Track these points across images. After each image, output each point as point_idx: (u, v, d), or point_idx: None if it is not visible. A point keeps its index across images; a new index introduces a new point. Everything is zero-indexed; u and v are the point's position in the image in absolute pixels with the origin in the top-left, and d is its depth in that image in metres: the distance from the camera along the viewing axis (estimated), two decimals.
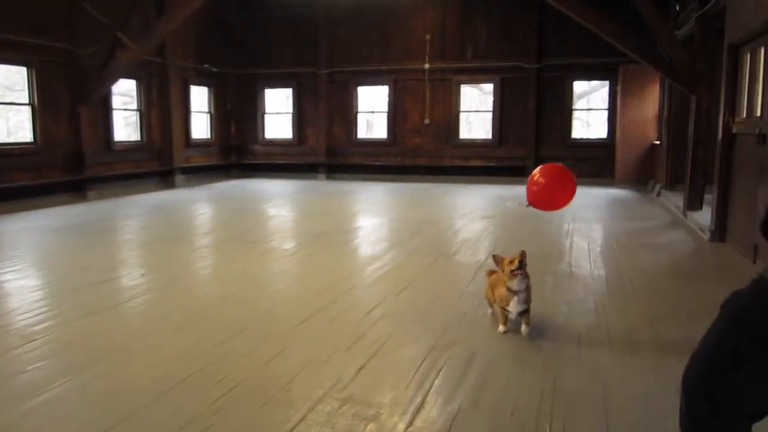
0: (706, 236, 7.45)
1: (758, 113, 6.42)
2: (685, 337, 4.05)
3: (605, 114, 14.65)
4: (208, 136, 15.76)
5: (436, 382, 3.29)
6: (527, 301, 3.92)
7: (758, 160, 6.15)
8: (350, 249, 7.26)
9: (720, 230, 7.23)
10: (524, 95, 14.56)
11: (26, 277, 5.73)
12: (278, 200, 11.98)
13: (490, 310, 4.41)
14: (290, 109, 16.40)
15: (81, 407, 3.03)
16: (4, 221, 8.83)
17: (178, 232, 8.54)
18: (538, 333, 4.04)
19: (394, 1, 14.89)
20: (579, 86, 15.33)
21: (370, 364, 3.54)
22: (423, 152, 15.46)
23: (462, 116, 15.65)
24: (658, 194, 11.66)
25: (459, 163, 15.24)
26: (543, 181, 3.91)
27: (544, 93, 14.51)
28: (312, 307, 4.64)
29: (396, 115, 15.58)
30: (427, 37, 14.94)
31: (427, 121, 15.29)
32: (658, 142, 12.62)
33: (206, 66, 15.07)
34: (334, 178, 15.79)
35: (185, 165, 14.36)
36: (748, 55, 6.82)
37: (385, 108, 15.73)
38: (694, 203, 8.82)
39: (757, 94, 6.48)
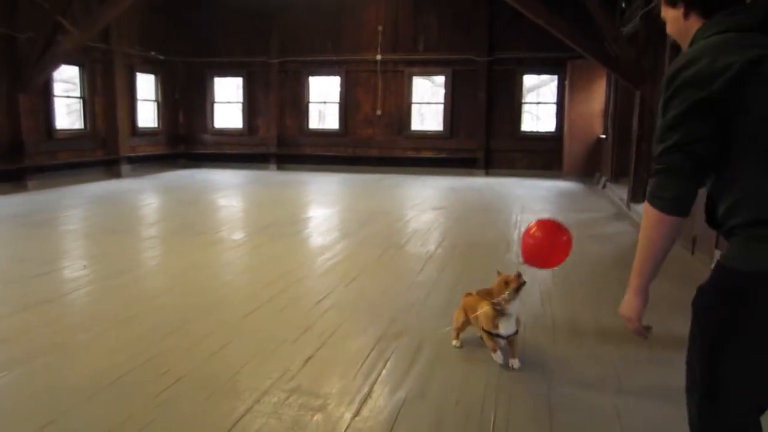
0: None
1: None
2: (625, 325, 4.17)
3: (554, 108, 14.91)
4: (156, 125, 15.39)
5: (384, 372, 3.30)
6: (518, 323, 3.44)
7: None
8: (300, 240, 7.21)
9: None
10: (475, 88, 14.69)
11: None
12: (228, 191, 11.81)
13: (455, 342, 3.69)
14: (240, 98, 16.16)
15: (16, 404, 2.93)
16: None
17: (123, 222, 8.32)
18: None
19: None
20: (529, 80, 15.54)
21: (317, 354, 3.53)
22: (375, 143, 15.46)
23: (414, 108, 15.69)
24: (604, 187, 11.96)
25: (411, 154, 15.30)
26: (540, 235, 3.30)
27: (495, 86, 14.67)
28: (260, 299, 4.59)
29: (348, 105, 15.52)
30: (380, 28, 14.91)
31: (379, 113, 15.29)
32: (603, 136, 12.92)
33: (153, 53, 14.68)
34: (285, 169, 15.65)
35: (131, 154, 13.99)
36: None
37: (337, 99, 15.65)
38: (637, 195, 9.06)
39: None
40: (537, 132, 15.43)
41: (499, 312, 3.32)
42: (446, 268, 5.65)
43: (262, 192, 11.83)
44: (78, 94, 12.94)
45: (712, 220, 1.79)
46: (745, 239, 1.65)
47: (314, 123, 16.39)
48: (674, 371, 3.39)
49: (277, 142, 15.81)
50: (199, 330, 3.92)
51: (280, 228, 7.75)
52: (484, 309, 3.38)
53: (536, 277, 5.39)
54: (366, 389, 3.08)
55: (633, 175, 9.14)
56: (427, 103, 16.75)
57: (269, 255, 6.28)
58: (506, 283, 3.32)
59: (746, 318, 1.66)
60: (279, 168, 15.75)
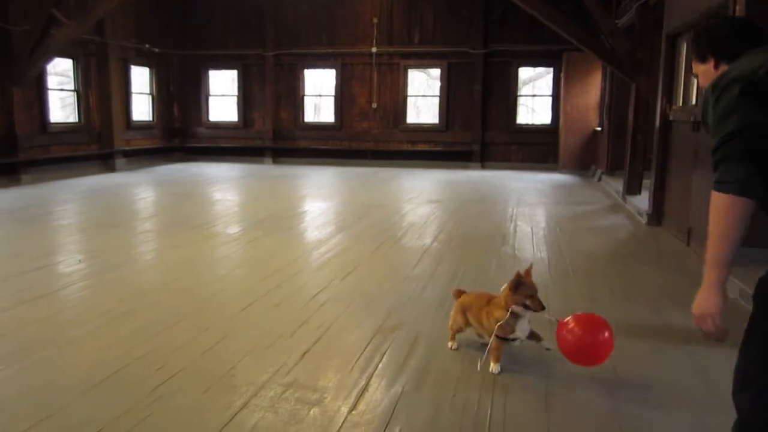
0: (644, 220, 7.69)
1: (693, 101, 6.64)
2: (623, 316, 4.19)
3: (549, 100, 14.89)
4: (150, 119, 15.32)
5: (380, 365, 3.30)
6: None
7: (693, 147, 6.36)
8: (296, 233, 7.20)
9: (657, 214, 7.47)
10: (471, 80, 14.66)
11: None
12: (223, 184, 11.78)
13: (452, 344, 3.55)
14: (235, 91, 16.09)
15: (11, 400, 2.92)
16: None
17: (118, 216, 8.29)
18: None
19: None
20: (524, 72, 15.51)
21: (314, 348, 3.52)
22: (370, 136, 15.43)
23: (409, 101, 15.65)
24: (599, 179, 11.97)
25: (406, 147, 15.28)
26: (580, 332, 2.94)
27: (491, 79, 14.65)
28: (256, 293, 4.59)
29: (343, 98, 15.48)
30: (375, 20, 14.86)
31: (374, 105, 15.26)
32: (599, 129, 12.93)
33: (147, 46, 14.59)
34: (281, 162, 15.62)
35: (126, 148, 13.93)
36: (685, 45, 7.03)
37: (333, 92, 15.61)
38: (632, 188, 9.08)
39: (693, 83, 6.69)
40: (533, 125, 15.40)
41: (515, 315, 3.17)
42: (442, 262, 5.65)
43: (257, 185, 11.81)
44: (72, 88, 12.86)
45: None
46: None
47: (310, 116, 16.34)
48: (672, 364, 3.41)
49: (273, 135, 15.76)
50: (195, 325, 3.91)
51: (275, 222, 7.73)
52: (496, 315, 3.21)
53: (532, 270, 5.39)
54: (363, 383, 3.08)
55: (628, 167, 9.14)
56: (423, 96, 16.71)
57: (265, 249, 6.27)
58: (517, 286, 3.16)
59: None
60: (274, 161, 15.71)
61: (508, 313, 3.16)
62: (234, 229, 7.30)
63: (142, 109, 15.03)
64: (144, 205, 9.53)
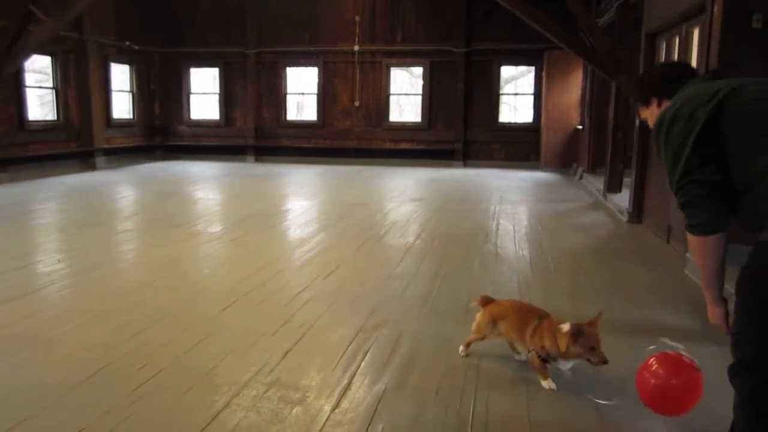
0: (625, 217, 7.76)
1: None
2: (604, 312, 4.22)
3: (531, 99, 14.97)
4: (131, 117, 15.17)
5: (363, 363, 3.31)
6: None
7: None
8: (279, 232, 7.18)
9: (637, 212, 7.55)
10: (453, 79, 14.70)
11: None
12: (205, 183, 11.70)
13: (465, 351, 3.38)
14: (217, 89, 15.99)
15: None
16: None
17: (98, 215, 8.21)
18: (463, 312, 4.12)
19: None
20: (506, 71, 15.58)
21: (297, 347, 3.52)
22: (353, 135, 15.41)
23: (392, 99, 15.66)
24: (581, 177, 12.06)
25: (389, 145, 15.28)
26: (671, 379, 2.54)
27: (473, 77, 14.69)
28: (238, 292, 4.57)
29: (326, 97, 15.44)
30: (357, 18, 14.83)
31: (357, 104, 15.24)
32: (580, 127, 13.02)
33: (127, 43, 14.45)
34: (263, 161, 15.55)
35: (106, 146, 13.79)
36: (664, 44, 7.11)
37: (315, 90, 15.57)
38: (613, 186, 9.16)
39: None
40: (515, 123, 15.47)
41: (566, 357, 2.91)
42: (425, 260, 5.66)
43: (239, 184, 11.75)
44: (51, 85, 12.71)
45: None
46: None
47: (292, 114, 16.27)
48: None
49: (255, 133, 15.69)
50: (176, 324, 3.89)
51: (258, 220, 7.70)
52: (546, 344, 2.95)
53: (514, 267, 5.44)
54: (345, 381, 3.08)
55: (609, 165, 9.22)
56: (405, 94, 16.72)
57: (247, 248, 6.25)
58: (577, 336, 2.84)
59: None
60: (257, 160, 15.64)
61: (559, 354, 2.90)
62: (216, 228, 7.26)
63: (122, 107, 14.88)
64: (125, 204, 9.45)
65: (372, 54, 15.00)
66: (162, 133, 16.09)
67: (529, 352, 3.09)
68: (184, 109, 16.10)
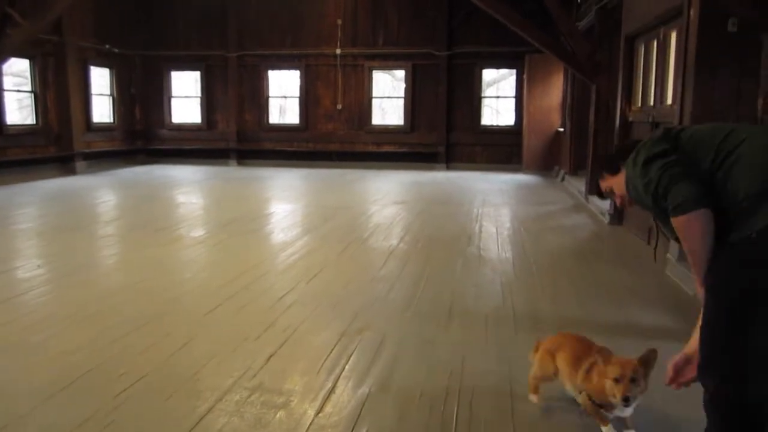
0: (606, 219, 7.83)
1: (651, 103, 6.79)
2: (585, 313, 4.27)
3: (513, 102, 15.06)
4: (112, 120, 15.04)
5: (347, 367, 3.30)
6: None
7: None
8: (262, 236, 7.15)
9: (618, 214, 7.62)
10: (435, 82, 14.75)
11: None
12: (187, 187, 11.63)
13: (534, 398, 2.90)
14: (199, 92, 15.90)
15: None
16: None
17: (79, 220, 8.12)
18: (446, 314, 4.13)
19: None
20: (488, 74, 15.67)
21: (280, 351, 3.51)
22: (336, 138, 15.40)
23: (375, 102, 15.68)
24: (562, 179, 12.15)
25: (372, 148, 15.29)
26: None
27: (455, 80, 14.75)
28: (221, 296, 4.54)
29: (308, 100, 15.42)
30: (339, 22, 14.84)
31: (339, 107, 15.24)
32: (561, 130, 13.12)
33: (108, 46, 14.33)
34: (246, 164, 15.49)
35: (87, 150, 13.65)
36: (643, 47, 7.19)
37: (297, 93, 15.54)
38: (594, 188, 9.21)
39: (650, 85, 6.85)
40: (497, 126, 15.56)
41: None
42: (408, 263, 5.67)
43: (222, 188, 11.69)
44: (29, 89, 12.56)
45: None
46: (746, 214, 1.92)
47: (274, 118, 16.23)
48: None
49: (237, 137, 15.62)
50: (158, 329, 3.86)
51: (241, 224, 7.67)
52: (598, 383, 2.51)
53: (497, 269, 5.46)
54: (329, 385, 3.08)
55: (590, 168, 9.29)
56: (388, 97, 16.75)
57: (230, 252, 6.22)
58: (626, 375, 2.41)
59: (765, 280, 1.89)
60: (239, 163, 15.58)
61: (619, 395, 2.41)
62: (199, 232, 7.22)
63: (102, 110, 14.75)
64: (106, 209, 9.36)
65: (354, 57, 15.01)
66: (143, 137, 15.97)
67: (580, 393, 2.65)
68: (165, 112, 15.98)
